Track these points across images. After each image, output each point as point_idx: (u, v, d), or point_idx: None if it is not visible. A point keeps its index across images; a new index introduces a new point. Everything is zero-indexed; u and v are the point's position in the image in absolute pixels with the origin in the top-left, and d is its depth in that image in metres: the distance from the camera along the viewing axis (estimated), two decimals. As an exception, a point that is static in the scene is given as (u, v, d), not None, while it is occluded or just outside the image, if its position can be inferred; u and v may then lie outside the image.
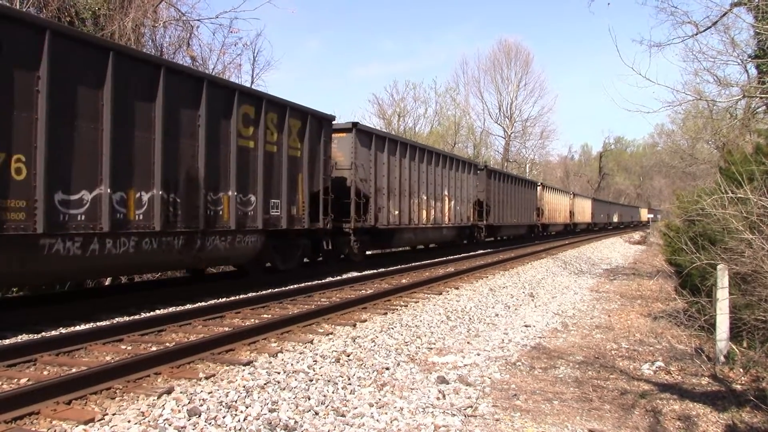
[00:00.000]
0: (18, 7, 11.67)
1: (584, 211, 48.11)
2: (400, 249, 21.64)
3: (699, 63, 11.30)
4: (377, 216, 15.45)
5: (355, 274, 13.58)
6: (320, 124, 13.03)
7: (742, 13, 10.50)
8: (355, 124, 14.84)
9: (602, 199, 66.22)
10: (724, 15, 10.43)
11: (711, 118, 19.93)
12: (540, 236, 35.95)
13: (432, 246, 23.05)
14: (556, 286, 13.38)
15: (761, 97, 9.98)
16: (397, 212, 16.73)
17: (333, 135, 13.83)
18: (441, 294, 11.08)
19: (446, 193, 20.73)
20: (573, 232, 45.10)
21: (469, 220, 23.27)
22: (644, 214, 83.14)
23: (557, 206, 39.20)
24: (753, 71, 13.03)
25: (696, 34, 10.31)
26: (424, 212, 18.79)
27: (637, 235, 44.03)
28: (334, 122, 13.82)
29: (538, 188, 34.97)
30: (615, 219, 65.18)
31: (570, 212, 43.11)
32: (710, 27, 10.65)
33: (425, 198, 18.81)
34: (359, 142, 14.90)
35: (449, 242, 23.00)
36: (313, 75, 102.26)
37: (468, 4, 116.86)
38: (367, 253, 17.20)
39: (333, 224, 13.66)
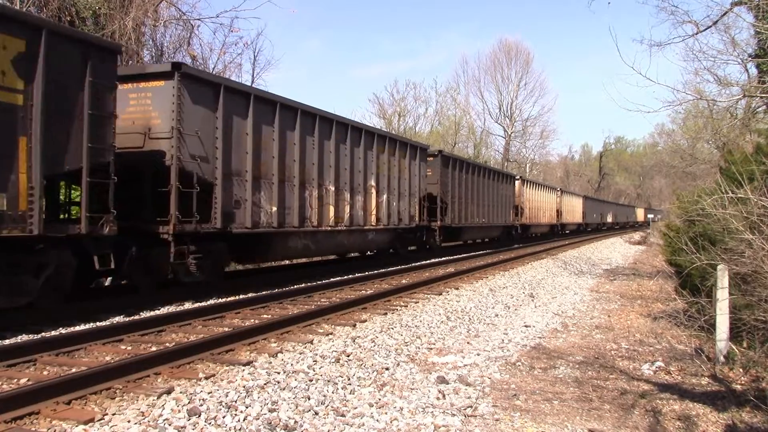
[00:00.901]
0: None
1: (574, 211, 44.36)
2: (287, 263, 15.83)
3: (699, 62, 11.31)
4: (231, 214, 10.30)
5: (357, 274, 13.16)
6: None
7: (742, 12, 10.52)
8: (177, 66, 9.30)
9: (595, 197, 62.30)
10: (724, 14, 10.45)
11: (711, 117, 19.93)
12: (520, 239, 31.51)
13: (352, 255, 17.44)
14: (556, 287, 13.38)
15: (761, 97, 9.98)
16: (274, 209, 11.37)
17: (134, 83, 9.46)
18: (441, 294, 11.08)
19: (372, 183, 15.32)
20: (560, 234, 40.77)
21: (413, 221, 17.89)
22: (641, 214, 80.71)
23: (541, 204, 34.91)
24: (753, 70, 13.03)
25: (696, 34, 10.33)
26: (331, 209, 13.41)
27: (637, 236, 43.83)
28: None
29: (517, 183, 30.55)
30: (609, 219, 61.20)
31: (557, 211, 38.76)
32: (711, 26, 10.67)
33: (332, 189, 13.45)
34: (189, 97, 9.40)
35: (381, 250, 17.59)
36: (314, 74, 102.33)
37: (468, 3, 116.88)
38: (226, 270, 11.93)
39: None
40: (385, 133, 17.49)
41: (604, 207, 59.69)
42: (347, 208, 14.12)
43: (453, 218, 20.87)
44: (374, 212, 15.43)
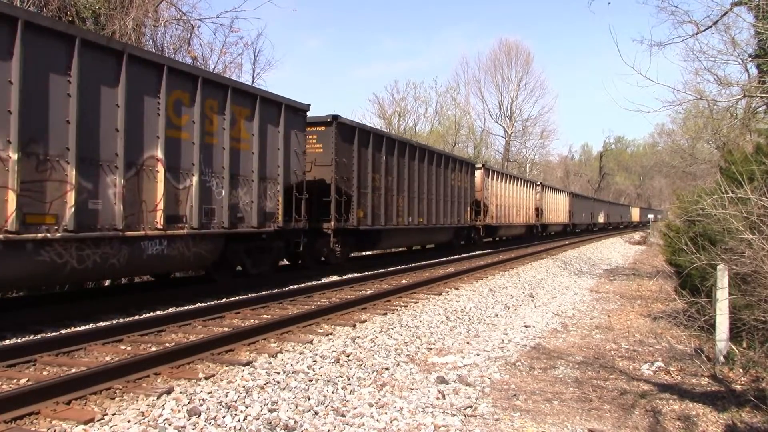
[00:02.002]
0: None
1: (558, 209, 39.17)
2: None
3: (699, 62, 11.33)
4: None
5: (356, 275, 13.24)
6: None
7: (742, 12, 10.52)
8: (335, 117, 13.61)
9: (584, 194, 56.77)
10: (724, 14, 10.45)
11: (711, 117, 19.93)
12: (483, 244, 26.00)
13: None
14: (556, 287, 13.38)
15: (761, 97, 9.97)
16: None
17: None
18: (441, 294, 11.08)
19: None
20: (540, 237, 35.44)
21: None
22: (636, 214, 76.95)
23: (514, 201, 29.24)
24: (753, 70, 13.04)
25: (696, 34, 10.33)
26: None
27: (636, 236, 43.72)
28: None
29: (478, 173, 24.78)
30: (601, 219, 56.06)
31: (537, 210, 33.52)
32: (711, 26, 10.67)
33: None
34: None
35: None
36: (314, 74, 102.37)
37: (468, 3, 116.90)
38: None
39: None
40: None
41: (596, 206, 54.50)
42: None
43: (370, 219, 15.57)
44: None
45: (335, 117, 13.76)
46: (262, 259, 11.62)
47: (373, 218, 15.31)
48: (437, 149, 22.00)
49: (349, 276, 12.87)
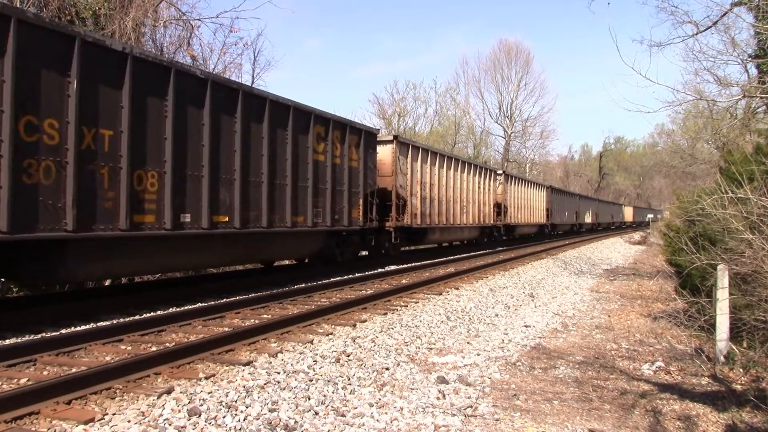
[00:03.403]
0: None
1: (532, 206, 32.16)
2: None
3: (699, 63, 11.33)
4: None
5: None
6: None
7: (742, 12, 10.52)
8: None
9: (567, 189, 48.54)
10: (724, 15, 10.44)
11: (711, 117, 19.94)
12: (503, 241, 25.98)
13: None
14: (556, 287, 13.38)
15: (761, 97, 9.98)
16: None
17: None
18: (441, 294, 11.08)
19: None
20: (503, 242, 28.44)
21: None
22: (629, 214, 72.07)
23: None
24: (753, 71, 13.04)
25: (696, 34, 10.33)
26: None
27: (637, 236, 43.68)
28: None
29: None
30: (588, 219, 48.90)
31: (497, 206, 26.45)
32: (710, 27, 10.67)
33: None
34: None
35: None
36: (314, 74, 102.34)
37: (468, 4, 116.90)
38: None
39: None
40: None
41: (581, 203, 47.33)
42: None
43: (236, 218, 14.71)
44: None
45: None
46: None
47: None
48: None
49: (350, 276, 12.89)
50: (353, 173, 14.30)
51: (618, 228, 64.10)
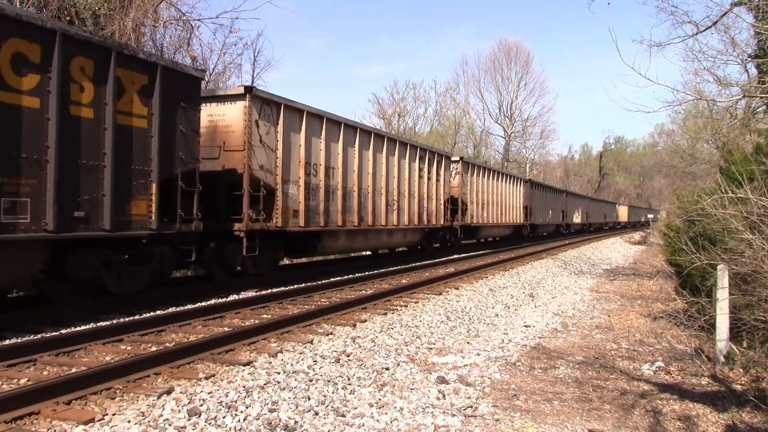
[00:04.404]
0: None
1: (504, 203, 27.48)
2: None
3: (699, 63, 11.32)
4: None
5: (357, 274, 13.10)
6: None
7: (742, 12, 10.51)
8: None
9: (549, 184, 42.32)
10: (724, 15, 10.43)
11: (711, 117, 19.94)
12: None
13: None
14: (556, 287, 13.38)
15: (761, 97, 9.98)
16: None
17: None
18: (441, 294, 11.08)
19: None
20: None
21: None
22: (624, 214, 68.73)
23: (395, 186, 16.76)
24: (753, 71, 13.04)
25: (696, 34, 10.31)
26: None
27: (637, 236, 43.62)
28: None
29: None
30: (576, 219, 43.57)
31: (452, 202, 21.41)
32: (710, 27, 10.65)
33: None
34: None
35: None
36: (314, 74, 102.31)
37: (468, 4, 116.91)
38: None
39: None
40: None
41: (569, 201, 41.21)
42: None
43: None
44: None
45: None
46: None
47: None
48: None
49: (350, 276, 12.87)
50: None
51: (611, 229, 59.72)
